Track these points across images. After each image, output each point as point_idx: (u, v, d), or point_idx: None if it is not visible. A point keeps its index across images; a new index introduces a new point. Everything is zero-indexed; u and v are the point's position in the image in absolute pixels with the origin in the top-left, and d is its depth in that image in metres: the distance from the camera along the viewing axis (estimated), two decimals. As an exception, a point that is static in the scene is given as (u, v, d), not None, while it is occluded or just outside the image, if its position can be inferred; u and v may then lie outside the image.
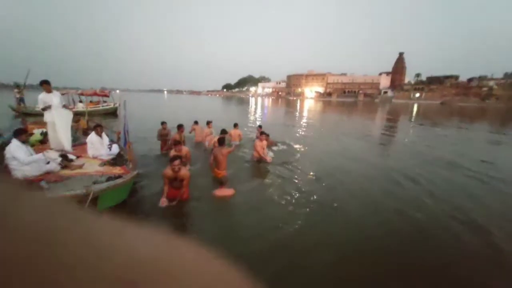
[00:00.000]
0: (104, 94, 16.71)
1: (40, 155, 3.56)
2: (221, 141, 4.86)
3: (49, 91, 5.16)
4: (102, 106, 17.34)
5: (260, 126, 8.50)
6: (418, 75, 77.53)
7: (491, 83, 60.26)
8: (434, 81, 69.35)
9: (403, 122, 18.47)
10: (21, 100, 15.89)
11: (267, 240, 2.88)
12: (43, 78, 5.19)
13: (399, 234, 3.17)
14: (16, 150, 3.37)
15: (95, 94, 16.60)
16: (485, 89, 59.48)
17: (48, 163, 3.84)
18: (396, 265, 2.62)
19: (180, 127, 6.49)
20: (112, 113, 17.10)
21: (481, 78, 63.74)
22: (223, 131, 6.24)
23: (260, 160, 5.83)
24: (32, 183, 3.27)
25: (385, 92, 68.19)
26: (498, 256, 2.81)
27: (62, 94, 17.24)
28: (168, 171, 3.48)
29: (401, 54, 72.47)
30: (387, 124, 16.70)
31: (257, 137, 7.41)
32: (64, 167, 3.98)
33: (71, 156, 4.46)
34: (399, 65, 72.20)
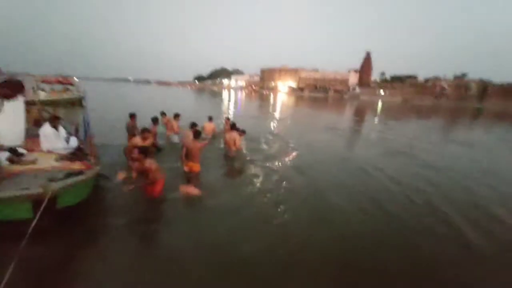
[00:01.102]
0: (68, 82, 15.70)
1: None
2: (196, 134, 4.62)
3: None
4: (68, 95, 15.54)
5: (228, 118, 8.21)
6: (383, 73, 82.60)
7: (443, 83, 66.66)
8: (397, 80, 74.59)
9: (371, 118, 19.58)
10: None
11: (245, 248, 2.69)
12: None
13: (377, 223, 3.31)
14: None
15: (58, 81, 15.51)
16: (438, 88, 65.63)
17: None
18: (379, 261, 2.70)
19: (155, 121, 6.03)
20: (77, 103, 15.24)
21: (436, 79, 70.10)
22: (193, 124, 5.91)
23: (233, 154, 5.63)
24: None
25: (354, 89, 71.63)
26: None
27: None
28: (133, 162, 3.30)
29: (368, 53, 76.43)
30: (355, 119, 17.61)
31: (225, 130, 7.19)
32: (12, 162, 3.45)
33: (21, 150, 3.88)
34: (366, 64, 76.15)
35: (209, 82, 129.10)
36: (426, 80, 72.03)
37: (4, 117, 4.28)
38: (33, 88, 14.21)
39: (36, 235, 2.00)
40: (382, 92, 68.04)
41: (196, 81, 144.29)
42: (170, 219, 3.14)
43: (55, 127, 4.50)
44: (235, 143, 5.63)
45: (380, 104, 42.42)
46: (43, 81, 14.88)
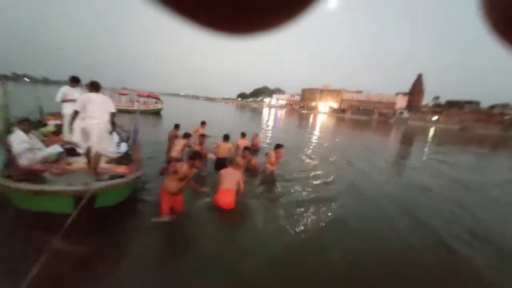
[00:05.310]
0: (156, 96, 19.62)
1: (25, 144, 3.56)
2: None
3: (73, 86, 5.34)
4: (153, 106, 19.21)
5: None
6: (436, 98, 75.74)
7: (515, 111, 57.95)
8: (453, 106, 67.39)
9: (420, 145, 17.80)
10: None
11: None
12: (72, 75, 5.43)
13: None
14: (13, 138, 3.48)
15: (148, 96, 19.36)
16: (508, 117, 57.11)
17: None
18: None
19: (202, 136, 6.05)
20: (157, 113, 18.73)
21: (504, 106, 61.43)
22: (226, 137, 6.05)
23: (273, 174, 5.59)
24: (35, 173, 3.24)
25: (401, 113, 66.76)
26: None
27: (123, 94, 21.56)
28: (183, 168, 3.11)
29: (419, 75, 71.21)
30: (402, 144, 16.16)
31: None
32: (59, 159, 3.88)
33: (79, 150, 4.45)
34: (417, 87, 70.79)
35: (250, 99, 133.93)
36: (492, 107, 63.62)
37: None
38: (131, 100, 18.23)
39: (72, 230, 2.22)
40: (435, 117, 61.93)
41: (239, 98, 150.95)
42: (199, 227, 3.19)
43: (110, 133, 5.10)
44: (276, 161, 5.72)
45: (432, 130, 38.50)
46: (138, 95, 18.69)
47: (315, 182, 5.50)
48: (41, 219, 2.63)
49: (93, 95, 3.54)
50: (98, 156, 3.54)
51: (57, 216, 2.48)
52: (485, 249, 3.42)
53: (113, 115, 3.66)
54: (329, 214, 3.96)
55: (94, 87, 3.64)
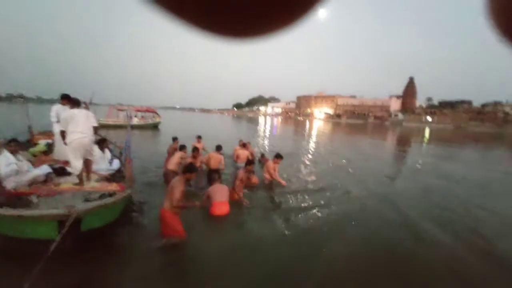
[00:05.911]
0: (154, 111, 20.09)
1: (13, 166, 3.39)
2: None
3: (64, 104, 5.19)
4: (151, 120, 19.45)
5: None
6: (429, 99, 76.84)
7: (507, 108, 58.84)
8: (447, 106, 68.41)
9: (418, 145, 17.83)
10: None
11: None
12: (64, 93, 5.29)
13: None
14: (0, 160, 3.34)
15: (146, 110, 19.90)
16: (501, 114, 57.96)
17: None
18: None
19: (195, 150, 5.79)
20: (156, 127, 18.98)
21: (496, 104, 62.48)
22: (219, 147, 5.90)
23: (271, 184, 5.32)
24: (22, 196, 3.10)
25: (396, 115, 67.46)
26: None
27: (121, 110, 21.28)
28: (182, 185, 2.95)
29: (411, 78, 72.49)
30: (399, 146, 16.17)
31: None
32: (47, 180, 3.72)
33: (69, 169, 4.31)
34: (410, 89, 71.93)
35: (246, 109, 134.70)
36: (484, 105, 64.67)
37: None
38: (129, 115, 18.24)
39: (57, 256, 2.06)
40: (429, 118, 62.61)
41: (234, 108, 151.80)
42: (198, 243, 3.05)
43: (102, 149, 4.96)
44: (275, 171, 5.37)
45: (427, 131, 38.75)
46: (136, 110, 19.01)
47: (316, 192, 5.30)
48: (24, 246, 2.46)
49: (75, 111, 3.64)
50: (89, 162, 3.82)
51: (42, 242, 2.32)
52: None
53: (96, 129, 3.82)
54: (345, 228, 3.75)
55: (74, 103, 3.79)
